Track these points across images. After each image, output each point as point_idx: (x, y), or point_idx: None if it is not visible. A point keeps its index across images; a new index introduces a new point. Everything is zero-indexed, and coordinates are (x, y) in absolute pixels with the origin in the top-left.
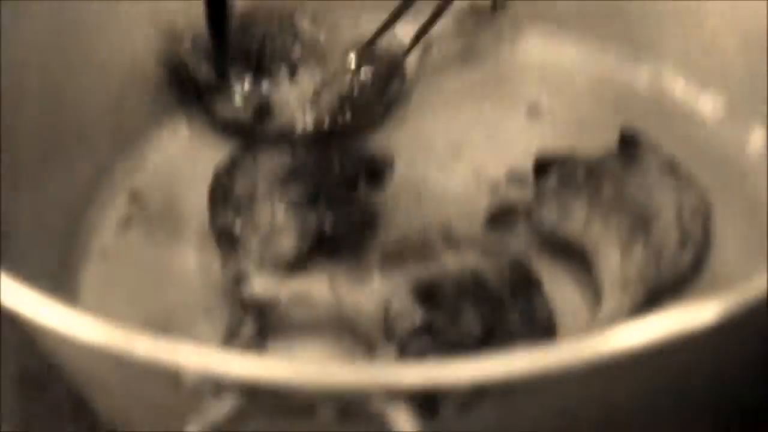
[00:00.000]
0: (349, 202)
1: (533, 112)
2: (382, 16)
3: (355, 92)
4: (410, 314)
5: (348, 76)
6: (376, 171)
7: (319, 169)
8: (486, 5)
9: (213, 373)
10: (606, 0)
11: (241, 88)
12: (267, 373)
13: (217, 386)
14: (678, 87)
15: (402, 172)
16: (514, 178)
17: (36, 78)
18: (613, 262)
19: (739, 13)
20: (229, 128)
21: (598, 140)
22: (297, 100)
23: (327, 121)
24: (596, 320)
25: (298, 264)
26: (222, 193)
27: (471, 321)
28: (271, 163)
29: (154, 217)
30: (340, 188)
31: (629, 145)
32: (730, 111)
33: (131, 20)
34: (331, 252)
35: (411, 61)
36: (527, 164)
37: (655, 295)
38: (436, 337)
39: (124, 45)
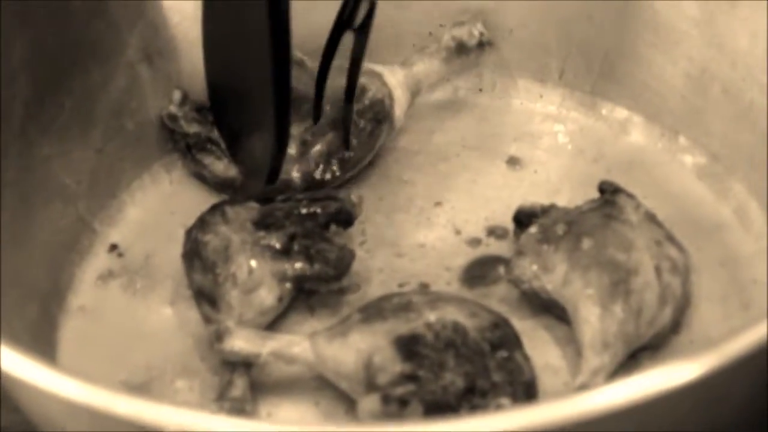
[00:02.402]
0: (323, 248)
1: (514, 164)
2: (371, 67)
3: (344, 145)
4: (392, 367)
5: (335, 129)
6: (346, 215)
7: (289, 218)
8: (472, 44)
9: None
10: (589, 55)
11: None
12: None
13: None
14: (658, 141)
15: (382, 226)
16: (493, 232)
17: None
18: (593, 320)
19: (719, 69)
20: (218, 185)
21: (578, 193)
22: (286, 156)
23: (316, 175)
24: (577, 379)
25: (278, 315)
26: (196, 252)
27: (453, 374)
28: (241, 217)
29: (134, 272)
30: (313, 234)
31: (609, 199)
32: (710, 166)
33: (113, 67)
34: (310, 308)
35: (399, 108)
36: (507, 217)
37: (634, 352)
38: (420, 387)
39: (105, 95)
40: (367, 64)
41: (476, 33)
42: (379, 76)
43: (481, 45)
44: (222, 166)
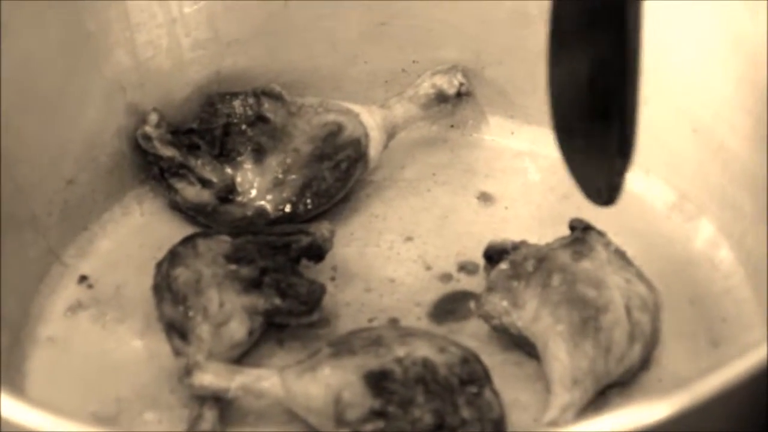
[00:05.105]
0: (294, 282)
1: (485, 200)
2: (347, 102)
3: (318, 179)
4: (362, 403)
5: (311, 163)
6: (317, 249)
7: (261, 252)
8: (451, 93)
9: None
10: None
11: (205, 171)
12: None
13: None
14: (629, 178)
15: (352, 260)
16: (464, 267)
17: None
18: (562, 357)
19: (688, 104)
20: (191, 210)
21: (548, 230)
22: (260, 185)
23: (288, 207)
24: (546, 415)
25: (248, 348)
26: (166, 285)
27: (423, 410)
28: (212, 251)
29: (104, 303)
30: (284, 269)
31: (579, 236)
32: (679, 204)
33: (86, 98)
34: (280, 342)
35: (374, 148)
36: (478, 253)
37: (603, 389)
38: (389, 424)
39: (78, 126)
40: (345, 103)
41: (456, 83)
42: (356, 116)
43: (460, 95)
44: (194, 192)
